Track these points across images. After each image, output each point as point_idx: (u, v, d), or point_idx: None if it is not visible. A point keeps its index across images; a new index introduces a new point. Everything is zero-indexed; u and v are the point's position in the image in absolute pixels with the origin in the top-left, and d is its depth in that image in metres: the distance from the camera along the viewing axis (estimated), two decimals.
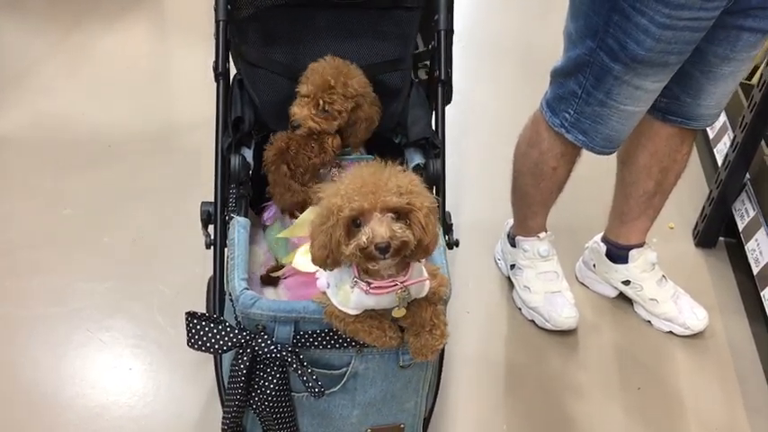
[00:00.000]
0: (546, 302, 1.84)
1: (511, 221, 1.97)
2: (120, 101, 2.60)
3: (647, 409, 1.70)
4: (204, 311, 1.66)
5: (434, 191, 1.39)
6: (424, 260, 1.10)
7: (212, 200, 1.46)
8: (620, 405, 1.70)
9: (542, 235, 1.88)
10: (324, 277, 1.12)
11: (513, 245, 1.94)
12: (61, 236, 2.04)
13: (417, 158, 1.45)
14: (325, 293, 1.12)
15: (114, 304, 1.85)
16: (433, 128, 1.48)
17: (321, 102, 1.37)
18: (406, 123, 1.48)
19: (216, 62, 1.40)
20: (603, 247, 1.93)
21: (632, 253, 1.88)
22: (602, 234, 1.97)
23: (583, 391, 1.73)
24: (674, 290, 1.90)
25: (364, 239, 0.99)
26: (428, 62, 1.55)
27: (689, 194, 2.36)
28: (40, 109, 2.52)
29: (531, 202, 1.83)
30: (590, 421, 1.66)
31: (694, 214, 2.22)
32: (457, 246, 1.41)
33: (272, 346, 1.13)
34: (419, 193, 1.03)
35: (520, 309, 1.91)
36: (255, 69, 1.47)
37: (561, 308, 1.83)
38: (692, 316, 1.86)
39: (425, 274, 1.08)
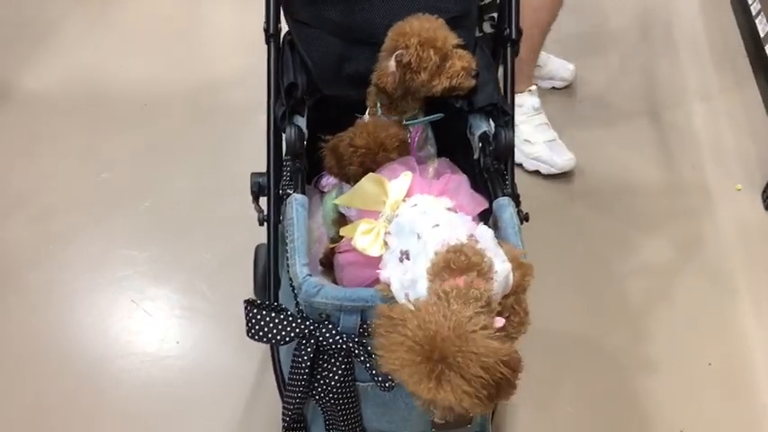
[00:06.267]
0: (548, 149, 2.03)
1: None
2: (154, 57, 2.49)
3: (719, 385, 1.61)
4: (251, 281, 1.62)
5: (504, 163, 1.28)
6: (506, 249, 1.01)
7: (260, 169, 1.37)
8: (691, 381, 1.62)
9: (533, 88, 2.07)
10: (389, 273, 1.03)
11: None
12: (99, 200, 1.97)
13: (484, 126, 1.33)
14: (389, 287, 1.04)
15: (157, 273, 1.80)
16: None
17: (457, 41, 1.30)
18: None
19: (267, 22, 1.29)
20: None
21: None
22: None
23: (651, 366, 1.64)
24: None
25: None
26: (495, 15, 1.42)
27: (757, 155, 2.22)
28: (70, 66, 2.42)
29: (530, 43, 1.91)
30: (660, 399, 1.58)
31: (763, 176, 2.08)
32: (527, 220, 1.30)
33: (338, 337, 1.05)
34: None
35: (521, 164, 2.06)
36: (307, 29, 1.35)
37: (561, 152, 2.04)
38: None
39: (510, 281, 0.99)
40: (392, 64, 1.26)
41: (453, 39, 1.29)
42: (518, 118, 1.98)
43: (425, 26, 1.27)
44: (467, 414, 0.86)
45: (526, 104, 2.08)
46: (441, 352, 0.84)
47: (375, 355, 1.03)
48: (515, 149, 1.87)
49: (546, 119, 2.11)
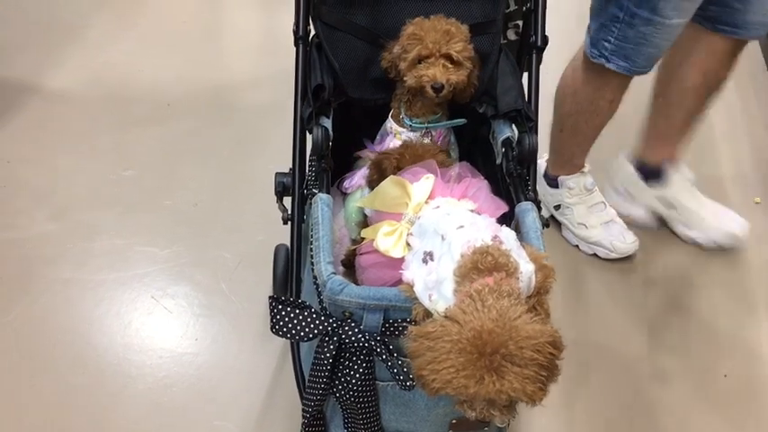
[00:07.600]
0: (606, 233, 1.87)
1: (543, 163, 1.97)
2: (177, 57, 2.53)
3: (733, 397, 1.61)
4: (271, 281, 1.63)
5: (527, 168, 1.29)
6: (529, 251, 1.02)
7: (283, 169, 1.39)
8: (706, 392, 1.62)
9: (586, 169, 1.90)
10: (412, 274, 1.04)
11: (555, 185, 1.92)
12: (122, 197, 2.00)
13: (507, 131, 1.34)
14: (412, 287, 1.05)
15: (177, 270, 1.81)
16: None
17: (450, 52, 1.29)
18: (494, 92, 1.37)
19: (296, 24, 1.31)
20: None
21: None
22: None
23: (666, 377, 1.64)
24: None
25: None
26: (519, 22, 1.43)
27: None
28: (95, 65, 2.46)
29: (582, 139, 1.82)
30: (675, 409, 1.58)
31: None
32: (547, 226, 1.31)
33: (360, 335, 1.06)
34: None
35: (577, 246, 1.92)
36: (335, 32, 1.37)
37: (621, 235, 1.87)
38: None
39: (533, 282, 1.00)
40: (398, 45, 1.33)
41: (459, 48, 1.30)
42: (569, 200, 1.89)
43: (435, 25, 1.30)
44: (534, 404, 0.88)
45: (578, 186, 1.89)
46: (491, 345, 0.86)
47: (402, 360, 1.05)
48: (570, 232, 1.91)
49: (601, 196, 1.92)
